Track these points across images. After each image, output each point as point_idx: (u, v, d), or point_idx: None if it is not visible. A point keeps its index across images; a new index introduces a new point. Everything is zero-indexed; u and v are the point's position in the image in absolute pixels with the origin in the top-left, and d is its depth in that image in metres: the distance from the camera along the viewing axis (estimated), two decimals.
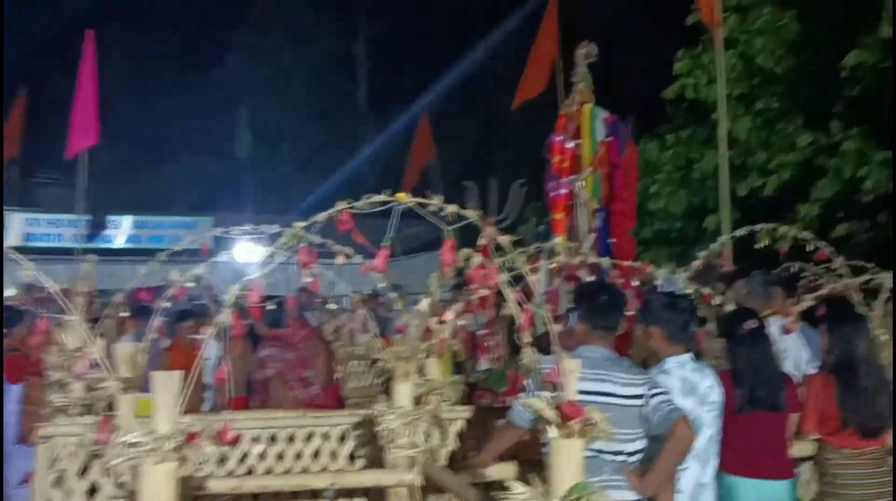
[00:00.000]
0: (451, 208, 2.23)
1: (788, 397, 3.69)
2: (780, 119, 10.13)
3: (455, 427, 4.16)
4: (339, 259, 3.59)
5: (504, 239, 2.23)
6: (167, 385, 2.38)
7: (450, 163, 18.69)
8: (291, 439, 4.13)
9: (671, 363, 3.34)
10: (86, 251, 9.13)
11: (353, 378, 7.82)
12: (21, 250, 3.58)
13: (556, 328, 2.09)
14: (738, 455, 3.46)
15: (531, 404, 2.16)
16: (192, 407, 3.07)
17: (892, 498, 3.72)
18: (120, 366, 2.79)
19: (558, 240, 6.59)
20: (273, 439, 4.10)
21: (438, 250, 2.42)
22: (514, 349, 4.92)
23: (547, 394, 2.18)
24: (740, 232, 5.28)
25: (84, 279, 4.76)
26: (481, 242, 2.21)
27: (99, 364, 2.68)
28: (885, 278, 5.18)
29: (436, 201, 2.24)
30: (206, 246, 3.74)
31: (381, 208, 2.28)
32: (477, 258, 2.60)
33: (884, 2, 8.07)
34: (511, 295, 2.32)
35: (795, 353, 4.52)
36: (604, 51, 7.58)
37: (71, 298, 3.85)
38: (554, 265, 4.12)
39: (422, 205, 2.24)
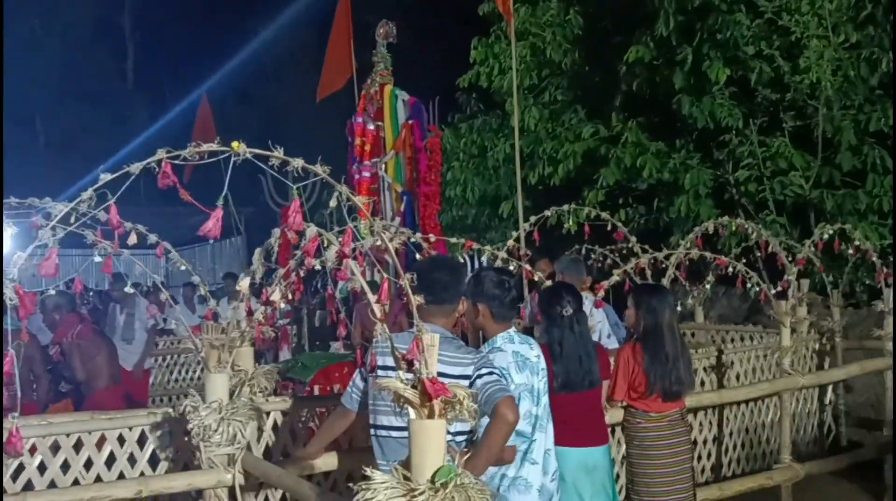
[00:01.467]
0: (298, 162, 1.94)
1: (601, 367, 3.84)
2: (565, 110, 10.66)
3: (270, 420, 3.88)
4: (132, 239, 3.15)
5: (360, 200, 2.00)
6: None
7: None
8: (78, 446, 3.61)
9: (500, 340, 3.31)
10: None
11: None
12: None
13: (418, 300, 1.91)
14: (561, 429, 3.51)
15: (388, 384, 1.97)
16: None
17: (686, 454, 4.06)
18: None
19: (363, 223, 6.43)
20: (56, 448, 3.56)
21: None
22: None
23: (401, 373, 2.00)
24: (547, 213, 5.48)
25: None
26: (332, 203, 1.95)
27: None
28: (670, 256, 5.67)
29: (278, 154, 1.94)
30: None
31: (213, 159, 1.93)
32: (312, 229, 2.36)
33: (660, 3, 8.71)
34: (356, 268, 2.10)
35: (601, 326, 4.77)
36: (400, 35, 7.51)
37: None
38: (379, 244, 3.92)
39: (262, 157, 1.93)
